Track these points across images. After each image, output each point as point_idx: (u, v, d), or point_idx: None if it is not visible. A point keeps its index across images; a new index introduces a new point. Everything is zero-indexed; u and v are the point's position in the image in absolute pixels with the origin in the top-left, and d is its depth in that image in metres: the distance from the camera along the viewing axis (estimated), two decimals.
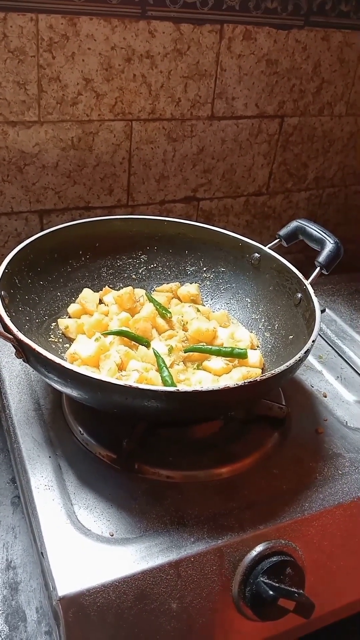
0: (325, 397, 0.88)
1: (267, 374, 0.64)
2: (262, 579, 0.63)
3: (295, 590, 0.63)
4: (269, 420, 0.79)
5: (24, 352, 0.67)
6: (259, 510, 0.68)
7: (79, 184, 1.06)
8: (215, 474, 0.72)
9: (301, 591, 0.63)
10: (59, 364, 0.62)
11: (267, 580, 0.62)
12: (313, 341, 0.71)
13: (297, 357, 0.68)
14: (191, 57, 1.04)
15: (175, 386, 0.74)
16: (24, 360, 0.68)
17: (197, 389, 0.61)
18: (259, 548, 0.64)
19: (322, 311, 0.86)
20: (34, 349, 0.63)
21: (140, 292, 0.94)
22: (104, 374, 0.74)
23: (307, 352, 0.70)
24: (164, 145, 1.10)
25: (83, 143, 1.03)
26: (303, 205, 1.35)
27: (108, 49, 0.97)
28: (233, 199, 1.24)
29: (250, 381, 0.63)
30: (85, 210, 1.09)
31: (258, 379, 0.63)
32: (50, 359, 0.62)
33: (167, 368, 0.76)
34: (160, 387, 0.65)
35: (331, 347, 1.02)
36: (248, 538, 0.64)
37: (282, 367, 0.65)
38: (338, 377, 0.95)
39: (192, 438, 0.77)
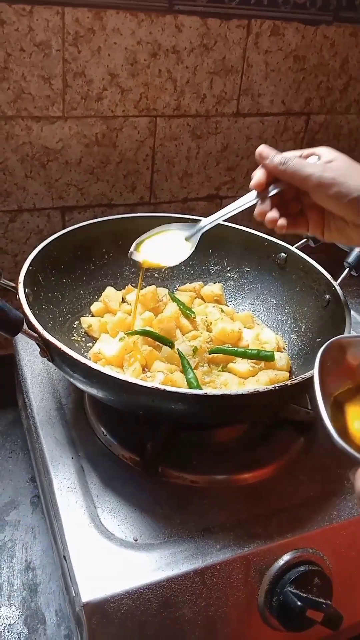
0: None
1: (299, 378, 0.62)
2: (289, 588, 0.61)
3: (324, 601, 0.61)
4: (294, 424, 0.77)
5: (48, 351, 0.65)
6: (285, 517, 0.66)
7: (102, 181, 1.05)
8: (240, 479, 0.70)
9: (329, 602, 0.61)
10: (85, 364, 0.60)
11: (295, 591, 0.61)
12: None
13: None
14: (217, 53, 1.02)
15: (201, 388, 0.72)
16: (48, 360, 0.67)
17: (226, 392, 0.60)
18: (286, 557, 0.62)
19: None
20: (60, 349, 0.62)
21: (163, 291, 0.93)
22: (129, 375, 0.73)
23: None
24: (187, 142, 1.09)
25: (107, 139, 1.01)
26: None
27: (134, 44, 0.95)
28: None
29: (281, 385, 0.61)
30: (108, 208, 1.08)
31: (289, 383, 0.61)
32: (77, 359, 0.61)
33: (192, 370, 0.74)
34: (188, 390, 0.63)
35: None
36: (275, 546, 0.63)
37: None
38: None
39: (216, 442, 0.75)
